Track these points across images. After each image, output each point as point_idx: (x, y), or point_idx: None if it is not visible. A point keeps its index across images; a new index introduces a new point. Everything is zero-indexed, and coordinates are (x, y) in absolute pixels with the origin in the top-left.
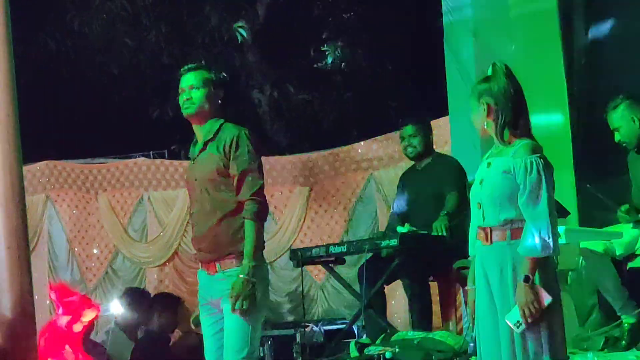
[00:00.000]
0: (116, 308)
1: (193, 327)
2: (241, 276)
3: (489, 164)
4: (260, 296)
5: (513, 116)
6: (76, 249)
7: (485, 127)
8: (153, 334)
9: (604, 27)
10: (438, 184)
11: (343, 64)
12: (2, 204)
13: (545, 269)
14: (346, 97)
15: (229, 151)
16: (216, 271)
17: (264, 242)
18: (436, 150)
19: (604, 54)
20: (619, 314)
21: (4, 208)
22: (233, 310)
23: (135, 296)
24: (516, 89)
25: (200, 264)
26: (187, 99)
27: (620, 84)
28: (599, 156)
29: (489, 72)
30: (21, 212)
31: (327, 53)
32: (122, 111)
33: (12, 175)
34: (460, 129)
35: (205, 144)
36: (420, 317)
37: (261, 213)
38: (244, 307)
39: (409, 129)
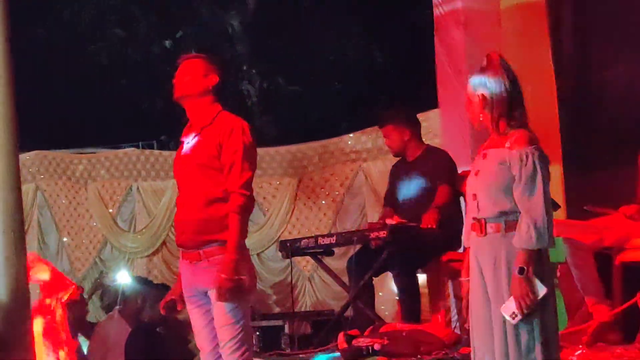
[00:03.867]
0: (123, 278)
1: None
2: (223, 275)
3: (484, 154)
4: (248, 282)
5: (508, 107)
6: (65, 239)
7: (481, 118)
8: (145, 325)
9: (591, 19)
10: (429, 176)
11: (332, 56)
12: None
13: (540, 261)
14: (336, 89)
15: (224, 140)
16: (200, 259)
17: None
18: (427, 143)
19: (591, 46)
20: (590, 310)
21: (0, 194)
22: (218, 300)
23: (142, 285)
24: (512, 79)
25: (181, 252)
26: (176, 82)
27: (607, 77)
28: (587, 149)
29: (484, 62)
30: (17, 198)
31: (316, 44)
32: (112, 101)
33: (9, 161)
34: (450, 121)
35: (202, 129)
36: (409, 309)
37: (246, 206)
38: (229, 300)
39: (384, 130)
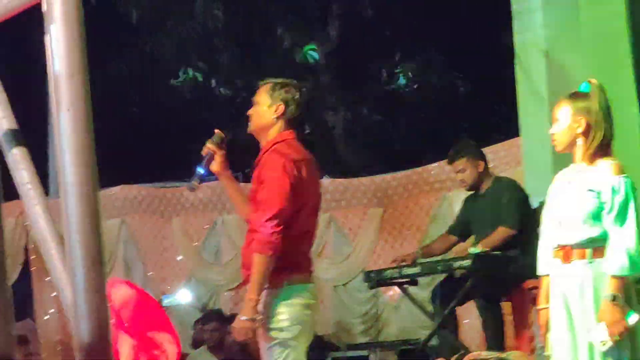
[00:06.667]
0: (184, 297)
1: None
2: (242, 318)
3: (569, 182)
4: (288, 322)
5: (606, 136)
6: (151, 273)
7: (579, 143)
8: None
9: None
10: (497, 207)
11: (416, 84)
12: (79, 230)
13: (627, 287)
14: (419, 118)
15: (260, 175)
16: None
17: (268, 270)
18: (496, 175)
19: None
20: None
21: (82, 234)
22: (234, 339)
23: (217, 317)
24: (609, 109)
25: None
26: (249, 114)
27: None
28: None
29: (586, 89)
30: (98, 238)
31: (399, 74)
32: (196, 134)
33: (90, 203)
34: (532, 149)
35: (257, 162)
36: (494, 337)
37: (267, 245)
38: (245, 340)
39: (458, 164)
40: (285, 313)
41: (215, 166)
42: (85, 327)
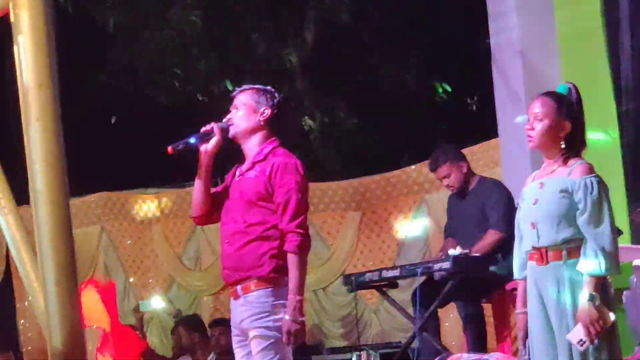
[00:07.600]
0: (157, 303)
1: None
2: (287, 317)
3: (541, 184)
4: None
5: (583, 141)
6: (132, 279)
7: (560, 146)
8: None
9: None
10: (483, 209)
11: (392, 88)
12: (50, 240)
13: (604, 287)
14: (396, 121)
15: (275, 178)
16: (238, 295)
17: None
18: (482, 173)
19: None
20: None
21: (52, 244)
22: (288, 344)
23: (193, 322)
24: (583, 111)
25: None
26: (229, 119)
27: None
28: None
29: (564, 90)
30: (69, 248)
31: (376, 78)
32: (173, 141)
33: (60, 211)
34: (510, 149)
35: (254, 163)
36: (475, 339)
37: (304, 246)
38: (299, 343)
39: (441, 171)
40: (282, 312)
41: (206, 146)
42: (58, 335)
